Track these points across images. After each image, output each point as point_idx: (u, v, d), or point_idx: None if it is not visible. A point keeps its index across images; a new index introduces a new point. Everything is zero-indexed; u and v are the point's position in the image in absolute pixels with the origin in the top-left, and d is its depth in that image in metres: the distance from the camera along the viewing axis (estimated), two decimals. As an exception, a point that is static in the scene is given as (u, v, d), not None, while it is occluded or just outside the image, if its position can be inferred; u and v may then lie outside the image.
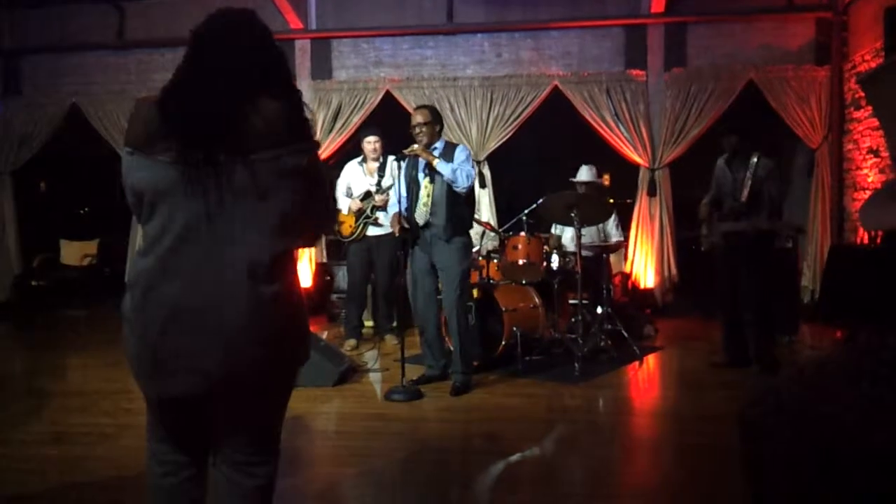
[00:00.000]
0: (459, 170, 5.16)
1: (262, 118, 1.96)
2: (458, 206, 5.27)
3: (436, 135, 5.34)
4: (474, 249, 6.15)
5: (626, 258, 8.39)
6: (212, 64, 2.03)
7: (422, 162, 5.33)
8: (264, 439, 2.17)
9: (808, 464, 1.57)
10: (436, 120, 5.37)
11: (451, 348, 5.55)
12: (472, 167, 5.34)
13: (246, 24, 2.13)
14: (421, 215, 5.33)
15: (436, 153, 5.25)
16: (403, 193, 5.44)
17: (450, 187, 5.17)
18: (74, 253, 9.74)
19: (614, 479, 3.86)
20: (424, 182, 5.33)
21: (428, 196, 5.29)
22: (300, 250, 7.37)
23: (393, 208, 5.79)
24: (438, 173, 5.19)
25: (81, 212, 13.70)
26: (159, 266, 1.97)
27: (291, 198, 1.98)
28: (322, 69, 9.01)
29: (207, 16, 2.14)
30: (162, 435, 2.18)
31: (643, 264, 8.42)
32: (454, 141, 7.99)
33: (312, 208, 2.07)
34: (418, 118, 5.30)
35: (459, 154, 5.26)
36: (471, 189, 5.30)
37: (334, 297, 8.42)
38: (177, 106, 1.98)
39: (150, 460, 2.21)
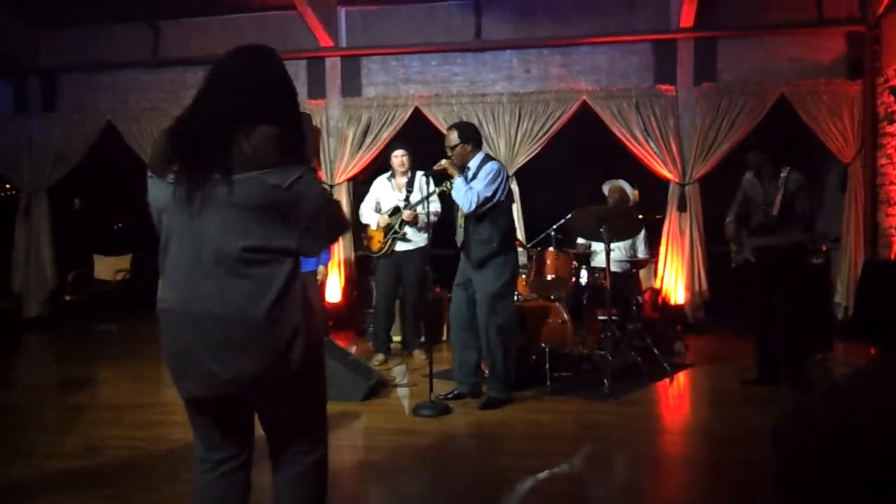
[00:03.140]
0: (468, 191, 5.08)
1: (250, 145, 2.23)
2: (484, 227, 5.19)
3: (468, 154, 5.28)
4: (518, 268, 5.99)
5: (655, 273, 8.33)
6: (213, 97, 2.35)
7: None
8: (295, 432, 2.43)
9: (841, 477, 1.56)
10: (465, 139, 5.26)
11: (486, 371, 5.51)
12: (493, 189, 5.12)
13: (253, 62, 2.42)
14: (459, 236, 5.34)
15: (470, 172, 5.24)
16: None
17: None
18: (108, 268, 9.88)
19: (644, 497, 3.82)
20: None
21: (461, 217, 5.30)
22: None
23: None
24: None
25: (115, 227, 13.91)
26: (164, 274, 2.34)
27: (271, 210, 2.25)
28: (351, 86, 9.09)
29: (225, 53, 2.44)
30: (198, 433, 2.45)
31: (673, 280, 8.36)
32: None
33: (299, 220, 2.29)
34: (447, 140, 5.31)
35: (482, 173, 5.17)
36: (497, 208, 5.19)
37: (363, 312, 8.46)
38: (179, 135, 2.32)
39: (194, 458, 2.48)
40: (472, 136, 5.35)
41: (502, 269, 5.25)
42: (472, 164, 5.28)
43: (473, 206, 5.10)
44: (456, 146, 5.26)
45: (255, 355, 2.23)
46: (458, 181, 5.15)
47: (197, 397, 2.33)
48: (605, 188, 7.17)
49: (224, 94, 2.34)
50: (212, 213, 2.24)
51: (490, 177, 5.16)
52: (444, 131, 5.54)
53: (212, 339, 2.23)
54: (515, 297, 6.34)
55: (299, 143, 2.40)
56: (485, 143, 8.50)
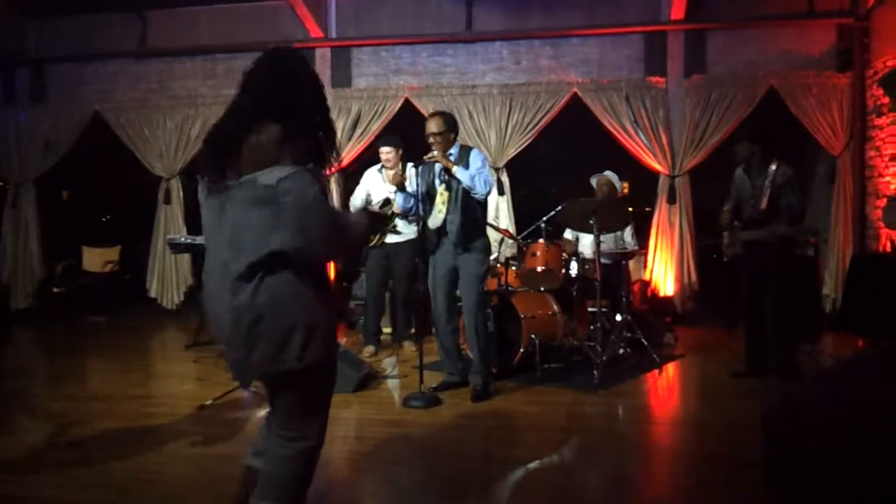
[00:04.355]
0: (478, 176, 5.15)
1: (258, 143, 2.41)
2: (473, 211, 5.28)
3: (450, 143, 5.32)
4: (492, 256, 6.14)
5: (645, 265, 8.35)
6: (236, 104, 2.53)
7: (437, 168, 5.33)
8: (282, 420, 2.60)
9: (830, 465, 1.57)
10: (450, 128, 5.31)
11: (470, 354, 5.54)
12: (489, 172, 5.32)
13: (269, 64, 2.55)
14: (435, 221, 5.32)
15: (451, 159, 5.25)
16: (414, 194, 5.44)
17: (465, 194, 5.17)
18: (96, 260, 9.83)
19: (634, 488, 3.83)
20: (440, 189, 5.32)
21: (443, 203, 5.29)
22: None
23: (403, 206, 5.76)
24: (456, 180, 5.18)
25: (103, 219, 13.84)
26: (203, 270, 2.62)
27: (265, 209, 2.38)
28: (342, 77, 9.05)
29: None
30: None
31: (663, 272, 8.38)
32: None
33: (288, 220, 2.38)
34: (432, 127, 5.27)
35: (475, 159, 5.24)
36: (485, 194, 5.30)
37: (352, 304, 8.44)
38: (207, 144, 2.55)
39: None
40: (455, 126, 5.43)
41: (486, 250, 5.41)
42: (452, 151, 5.31)
43: (487, 189, 5.22)
44: (442, 132, 5.25)
45: (247, 350, 2.44)
46: (460, 170, 5.15)
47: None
48: (593, 181, 7.17)
49: (244, 99, 2.52)
50: (228, 216, 2.45)
51: (483, 160, 5.30)
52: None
53: (224, 333, 2.48)
54: (508, 289, 6.37)
55: (309, 142, 2.48)
56: (475, 135, 8.54)
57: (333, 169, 2.57)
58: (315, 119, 2.55)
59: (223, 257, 2.45)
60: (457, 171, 5.15)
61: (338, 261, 2.37)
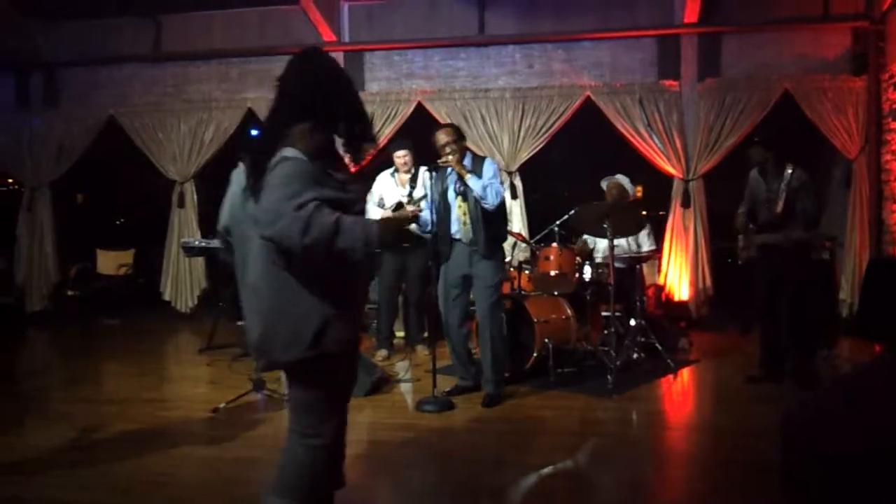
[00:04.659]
0: (489, 187, 5.12)
1: (287, 143, 2.47)
2: (494, 221, 5.26)
3: (462, 151, 5.31)
4: (506, 260, 6.12)
5: (659, 270, 8.30)
6: (272, 110, 2.62)
7: (452, 180, 5.32)
8: (297, 416, 2.66)
9: (846, 471, 1.55)
10: (460, 137, 5.34)
11: (480, 358, 5.52)
12: (501, 183, 5.31)
13: (294, 67, 2.62)
14: (464, 234, 5.30)
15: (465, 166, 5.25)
16: (431, 201, 5.42)
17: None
18: (110, 263, 9.88)
19: (647, 493, 3.81)
20: (458, 202, 5.30)
21: (465, 215, 5.27)
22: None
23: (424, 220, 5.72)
24: (469, 189, 5.17)
25: (118, 222, 13.91)
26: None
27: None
28: (354, 81, 9.01)
29: None
30: None
31: (677, 276, 8.33)
32: (484, 153, 8.00)
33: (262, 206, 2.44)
34: (444, 137, 5.25)
35: (487, 169, 5.21)
36: (501, 203, 5.27)
37: (365, 307, 8.43)
38: (245, 147, 2.64)
39: None
40: (463, 136, 5.43)
41: (503, 258, 5.47)
42: (465, 161, 5.30)
43: (498, 199, 5.19)
44: (454, 141, 5.24)
45: (265, 337, 2.53)
46: (473, 178, 5.14)
47: None
48: (604, 184, 7.13)
49: (277, 105, 2.60)
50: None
51: (495, 171, 5.26)
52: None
53: (250, 319, 2.59)
54: (521, 293, 6.35)
55: (326, 135, 2.57)
56: (488, 139, 8.53)
57: (364, 161, 2.65)
58: (339, 112, 2.61)
59: (249, 248, 2.55)
60: (469, 178, 5.14)
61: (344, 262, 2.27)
